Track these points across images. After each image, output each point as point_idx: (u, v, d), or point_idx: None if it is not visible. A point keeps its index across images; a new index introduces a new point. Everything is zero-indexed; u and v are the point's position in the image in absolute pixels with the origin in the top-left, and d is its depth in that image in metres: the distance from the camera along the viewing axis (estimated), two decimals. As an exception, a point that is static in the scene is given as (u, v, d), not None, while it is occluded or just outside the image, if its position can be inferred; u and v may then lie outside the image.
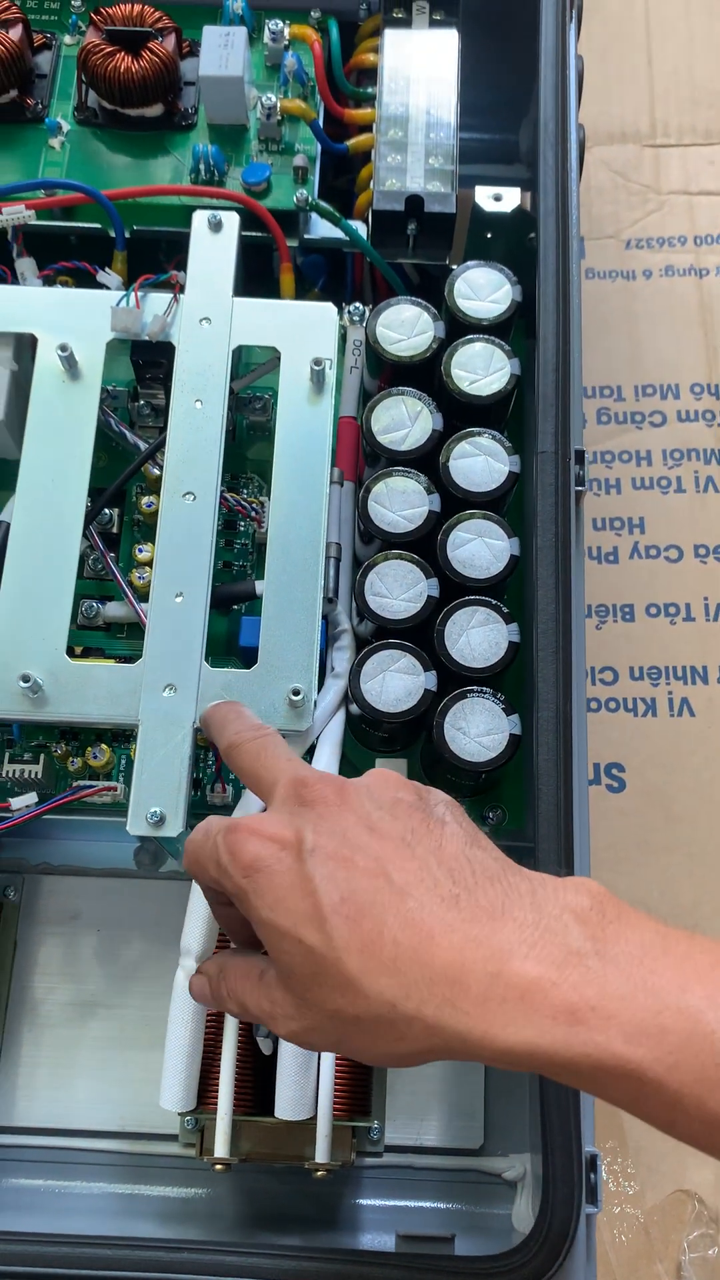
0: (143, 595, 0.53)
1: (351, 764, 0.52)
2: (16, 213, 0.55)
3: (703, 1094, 0.28)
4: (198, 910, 0.46)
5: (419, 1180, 0.55)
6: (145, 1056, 0.56)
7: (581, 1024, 0.29)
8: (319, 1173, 0.47)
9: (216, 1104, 0.48)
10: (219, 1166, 0.47)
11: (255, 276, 0.59)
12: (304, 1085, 0.46)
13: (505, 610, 0.48)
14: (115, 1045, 0.56)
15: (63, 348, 0.51)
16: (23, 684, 0.46)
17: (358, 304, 0.57)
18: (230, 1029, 0.48)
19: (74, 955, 0.58)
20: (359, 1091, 0.50)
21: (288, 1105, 0.46)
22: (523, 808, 0.52)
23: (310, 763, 0.49)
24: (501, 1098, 0.55)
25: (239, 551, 0.56)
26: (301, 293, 0.60)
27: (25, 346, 0.55)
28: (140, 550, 0.54)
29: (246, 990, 0.36)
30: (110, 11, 0.57)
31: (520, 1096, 0.55)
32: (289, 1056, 0.46)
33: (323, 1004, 0.32)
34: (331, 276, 0.63)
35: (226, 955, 0.38)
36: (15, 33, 0.57)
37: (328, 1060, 0.47)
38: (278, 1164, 0.51)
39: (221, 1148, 0.47)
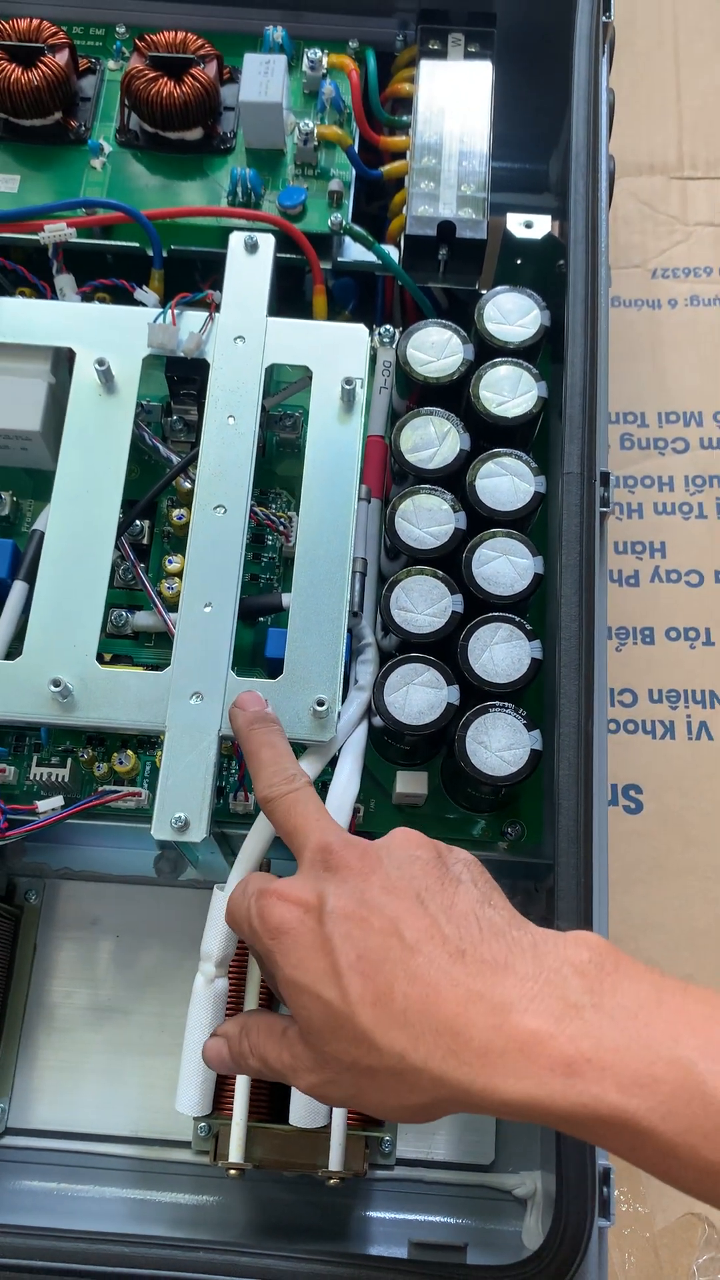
0: (171, 605, 0.54)
1: (372, 776, 0.52)
2: (58, 230, 0.56)
3: (696, 1143, 0.29)
4: (218, 917, 0.47)
5: (429, 1194, 0.55)
6: (160, 1063, 0.56)
7: (578, 1076, 0.30)
8: (332, 1180, 0.48)
9: (231, 1110, 0.48)
10: (233, 1171, 0.47)
11: (287, 298, 0.61)
12: (319, 1093, 0.47)
13: (528, 627, 0.49)
14: (130, 1050, 0.57)
15: (100, 362, 0.52)
16: (53, 688, 0.47)
17: (388, 326, 0.59)
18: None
19: (92, 960, 0.58)
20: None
21: (302, 1113, 0.46)
22: (541, 824, 0.52)
23: (333, 774, 0.49)
24: (513, 1114, 0.55)
25: (266, 565, 0.57)
26: (333, 315, 0.61)
27: (63, 360, 0.56)
28: (170, 561, 0.55)
29: (269, 1047, 0.37)
30: (154, 38, 0.58)
31: (532, 1113, 0.55)
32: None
33: (340, 1057, 0.34)
34: (362, 300, 0.64)
35: (248, 1016, 0.40)
36: (62, 57, 0.58)
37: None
38: (290, 1172, 0.51)
39: (236, 1153, 0.47)
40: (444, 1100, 0.33)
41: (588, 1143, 0.40)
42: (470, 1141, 0.55)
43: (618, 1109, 0.30)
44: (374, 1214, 0.54)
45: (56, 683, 0.47)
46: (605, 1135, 0.31)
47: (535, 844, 0.52)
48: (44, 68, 0.58)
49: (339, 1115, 0.48)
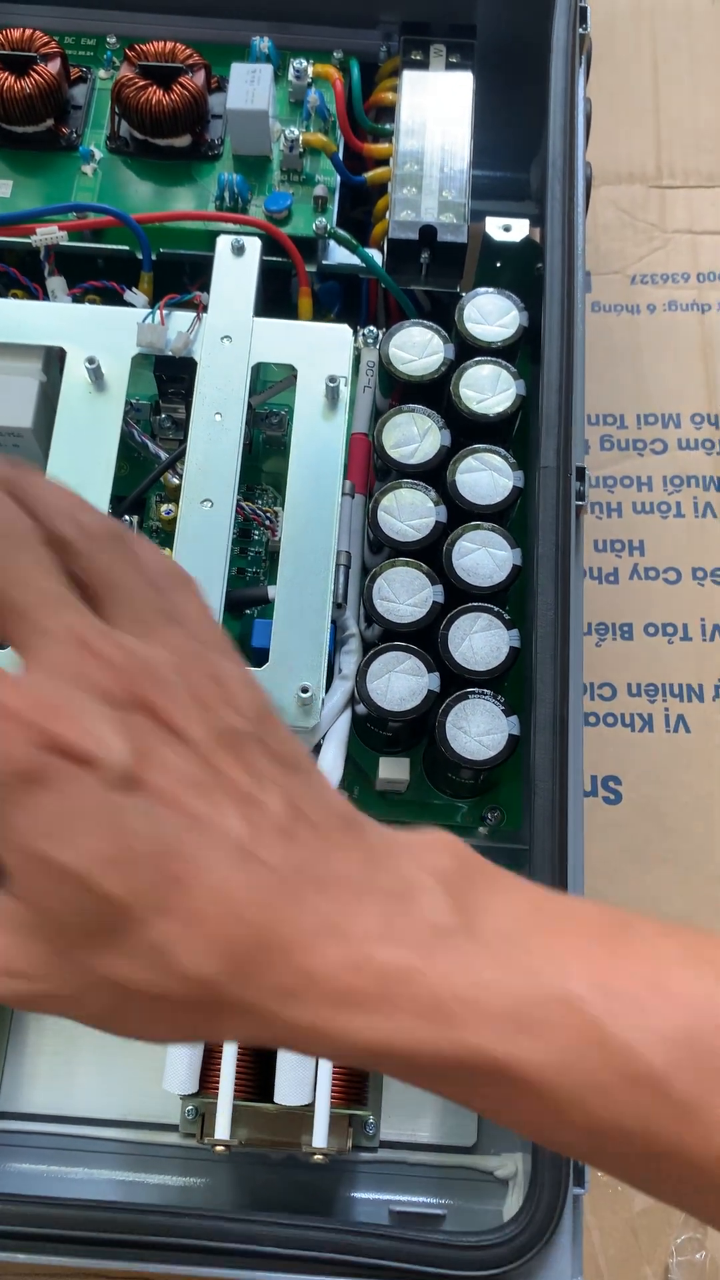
0: (159, 598, 0.55)
1: (355, 764, 0.54)
2: (49, 233, 0.57)
3: (589, 1099, 0.24)
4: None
5: (412, 1175, 0.56)
6: (148, 1049, 0.57)
7: (447, 1020, 0.24)
8: (316, 1157, 0.49)
9: (217, 1089, 0.49)
10: (220, 1148, 0.48)
11: (273, 300, 0.62)
12: (302, 1071, 0.48)
13: (507, 617, 0.50)
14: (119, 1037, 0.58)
15: (90, 360, 0.54)
16: (44, 676, 0.48)
17: (371, 327, 0.60)
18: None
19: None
20: (355, 1081, 0.51)
21: (287, 1090, 0.48)
22: (520, 810, 0.54)
23: (317, 760, 0.51)
24: (495, 1096, 0.57)
25: (253, 559, 0.59)
26: (318, 317, 0.62)
27: (54, 359, 0.57)
28: (158, 555, 0.57)
29: None
30: (144, 48, 0.60)
31: (513, 1095, 0.57)
32: (289, 1043, 0.48)
33: (104, 971, 0.25)
34: (346, 302, 0.66)
35: None
36: (54, 66, 0.60)
37: (326, 1048, 0.49)
38: (276, 1150, 0.52)
39: (223, 1129, 0.48)
40: (260, 1039, 0.26)
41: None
42: (452, 1124, 0.56)
43: (498, 1061, 0.24)
44: (358, 1194, 0.55)
45: (47, 670, 0.48)
46: (476, 1090, 0.25)
47: (514, 829, 0.53)
48: (36, 76, 0.59)
49: (323, 1093, 0.49)
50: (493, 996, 0.24)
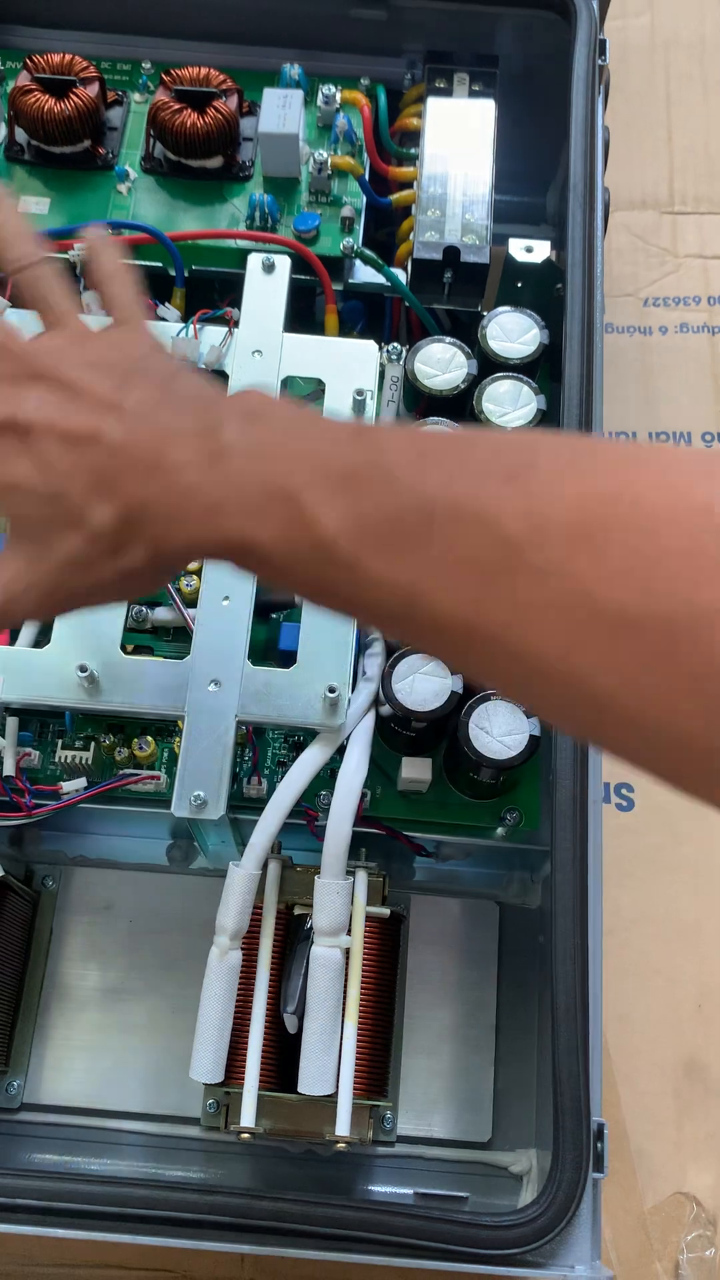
0: (188, 601, 0.57)
1: (377, 765, 0.55)
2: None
3: (295, 567, 0.32)
4: (234, 892, 0.49)
5: (428, 1170, 0.57)
6: (170, 1042, 0.58)
7: (220, 515, 0.33)
8: (339, 1145, 0.50)
9: (241, 1081, 0.50)
10: (244, 1136, 0.49)
11: (298, 317, 0.64)
12: (326, 1062, 0.49)
13: (528, 622, 0.52)
14: (142, 1030, 0.59)
15: (126, 371, 0.56)
16: (80, 674, 0.50)
17: (395, 344, 0.62)
18: (258, 1007, 0.51)
19: (105, 943, 0.61)
20: (377, 1072, 0.53)
21: (310, 1080, 0.49)
22: (538, 811, 0.55)
23: (342, 760, 0.52)
24: (510, 1094, 0.58)
25: (278, 566, 0.60)
26: (341, 335, 0.64)
27: (89, 371, 0.59)
28: (188, 560, 0.58)
29: None
30: (179, 72, 0.62)
31: (528, 1093, 0.58)
32: (314, 1034, 0.49)
33: (62, 550, 0.35)
34: (369, 321, 0.68)
35: None
36: (92, 89, 0.62)
37: (349, 1039, 0.50)
38: (297, 1141, 0.53)
39: (248, 1117, 0.49)
40: (148, 560, 0.35)
41: (586, 1082, 0.41)
42: (468, 1120, 0.57)
43: (245, 542, 0.33)
44: (376, 1188, 0.57)
45: (83, 669, 0.50)
46: (246, 564, 0.34)
47: (532, 829, 0.55)
48: (75, 99, 0.61)
49: (345, 1083, 0.50)
50: (239, 496, 0.33)
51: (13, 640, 0.54)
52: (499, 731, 0.50)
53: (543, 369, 0.60)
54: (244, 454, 0.33)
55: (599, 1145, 0.43)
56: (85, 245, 0.45)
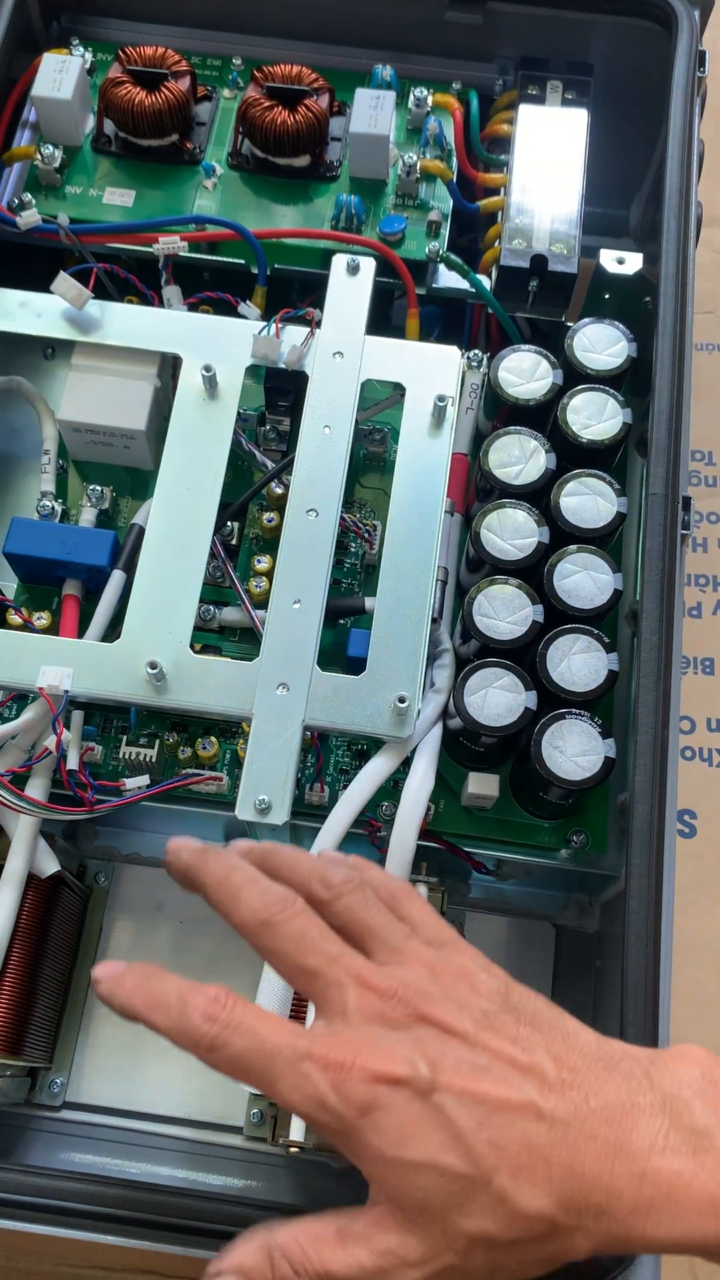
0: (258, 603, 0.56)
1: (442, 778, 0.54)
2: (171, 243, 0.59)
3: None
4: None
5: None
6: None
7: None
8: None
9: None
10: (293, 1149, 0.48)
11: (374, 320, 0.63)
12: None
13: (606, 640, 0.51)
14: (188, 1035, 0.58)
15: (206, 369, 0.55)
16: (149, 671, 0.49)
17: (476, 351, 0.61)
18: (311, 1018, 0.50)
19: (155, 943, 0.60)
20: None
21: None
22: (605, 835, 0.54)
23: (407, 774, 0.51)
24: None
25: (348, 570, 0.59)
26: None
27: (168, 365, 0.59)
28: (259, 561, 0.58)
29: (329, 1256, 0.32)
30: (272, 70, 0.62)
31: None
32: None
33: (473, 1232, 0.32)
34: (445, 328, 0.67)
35: (266, 1233, 0.33)
36: (183, 83, 0.62)
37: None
38: (340, 1160, 0.52)
39: (298, 1131, 0.48)
40: (595, 1249, 0.32)
41: None
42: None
43: None
44: (419, 1210, 0.55)
45: (153, 665, 0.49)
46: None
47: (599, 853, 0.54)
48: (166, 92, 0.61)
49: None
50: None
51: (81, 633, 0.54)
52: (573, 751, 0.49)
53: (626, 383, 0.58)
54: None
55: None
56: (375, 886, 0.38)
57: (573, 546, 0.52)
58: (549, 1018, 0.35)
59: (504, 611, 0.51)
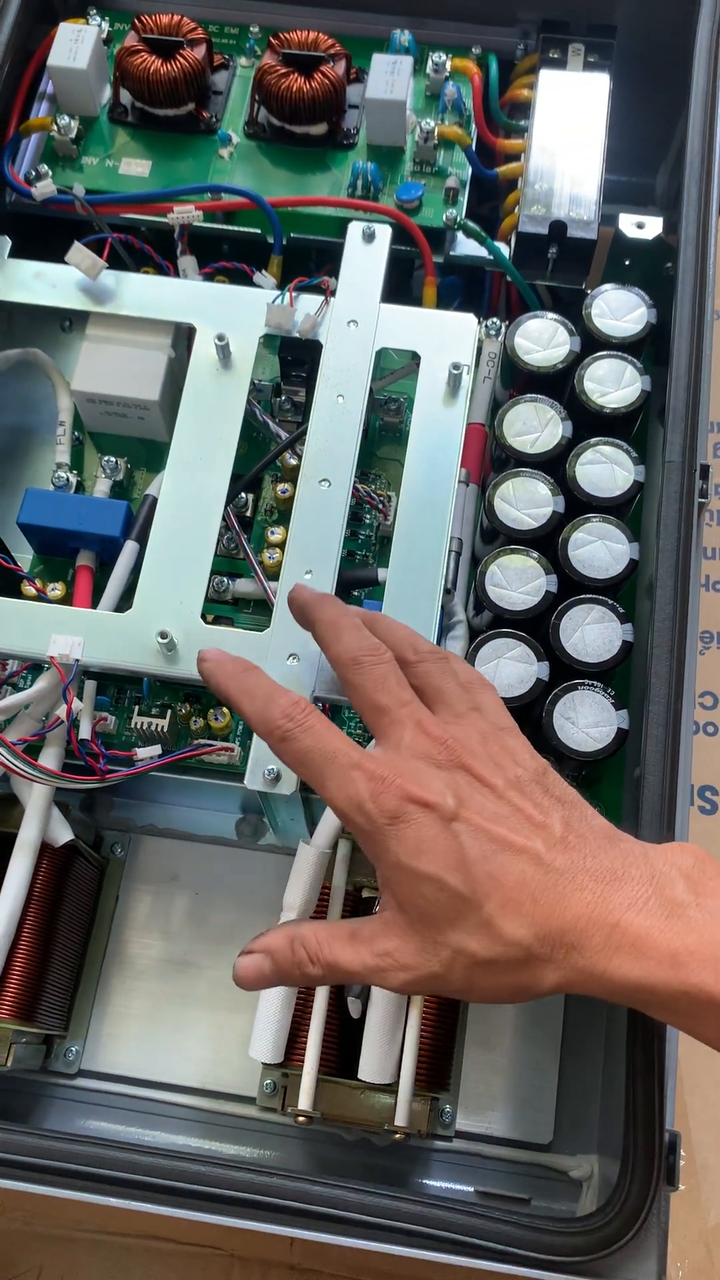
0: (270, 574, 0.56)
1: (456, 750, 0.53)
2: (186, 213, 0.59)
3: None
4: (302, 869, 0.48)
5: (485, 1168, 0.56)
6: (229, 1018, 0.58)
7: (681, 966, 0.35)
8: (397, 1135, 0.49)
9: (300, 1062, 0.50)
10: (301, 1120, 0.48)
11: (393, 289, 0.62)
12: (389, 1050, 0.48)
13: (621, 610, 0.50)
14: (201, 1004, 0.58)
15: (220, 338, 0.55)
16: (160, 640, 0.49)
17: (494, 319, 0.60)
18: (322, 990, 0.50)
19: (170, 914, 0.60)
20: (439, 1064, 0.51)
21: (372, 1068, 0.48)
22: (620, 808, 0.53)
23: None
24: (573, 1095, 0.56)
25: (362, 542, 0.59)
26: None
27: (182, 336, 0.59)
28: (272, 533, 0.57)
29: (341, 951, 0.38)
30: (288, 36, 0.61)
31: (591, 1096, 0.56)
32: (377, 1021, 0.48)
33: (457, 945, 0.37)
34: (465, 299, 0.66)
35: (295, 926, 0.40)
36: (199, 51, 0.61)
37: (413, 1028, 0.49)
38: (353, 1129, 0.52)
39: (305, 1100, 0.48)
40: (558, 985, 0.36)
41: (661, 1089, 0.43)
42: (530, 1119, 0.56)
43: (711, 993, 0.35)
44: (431, 1182, 0.55)
45: (163, 635, 0.49)
46: (701, 1019, 0.36)
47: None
48: (182, 60, 0.61)
49: (407, 1072, 0.49)
50: (710, 949, 0.35)
51: (94, 603, 0.54)
52: (585, 723, 0.48)
53: (647, 351, 0.57)
54: (705, 911, 0.36)
55: (671, 1158, 0.41)
56: (419, 659, 0.43)
57: (588, 516, 0.51)
58: (573, 798, 0.40)
59: (517, 582, 0.51)
